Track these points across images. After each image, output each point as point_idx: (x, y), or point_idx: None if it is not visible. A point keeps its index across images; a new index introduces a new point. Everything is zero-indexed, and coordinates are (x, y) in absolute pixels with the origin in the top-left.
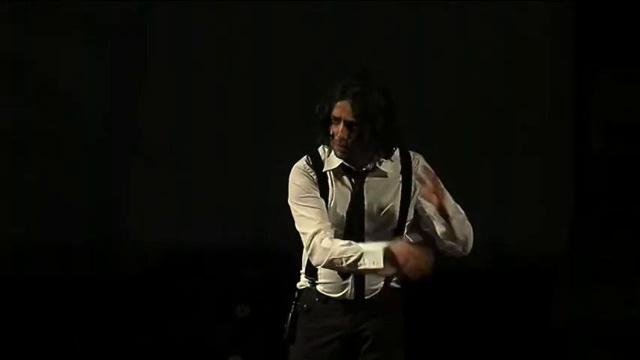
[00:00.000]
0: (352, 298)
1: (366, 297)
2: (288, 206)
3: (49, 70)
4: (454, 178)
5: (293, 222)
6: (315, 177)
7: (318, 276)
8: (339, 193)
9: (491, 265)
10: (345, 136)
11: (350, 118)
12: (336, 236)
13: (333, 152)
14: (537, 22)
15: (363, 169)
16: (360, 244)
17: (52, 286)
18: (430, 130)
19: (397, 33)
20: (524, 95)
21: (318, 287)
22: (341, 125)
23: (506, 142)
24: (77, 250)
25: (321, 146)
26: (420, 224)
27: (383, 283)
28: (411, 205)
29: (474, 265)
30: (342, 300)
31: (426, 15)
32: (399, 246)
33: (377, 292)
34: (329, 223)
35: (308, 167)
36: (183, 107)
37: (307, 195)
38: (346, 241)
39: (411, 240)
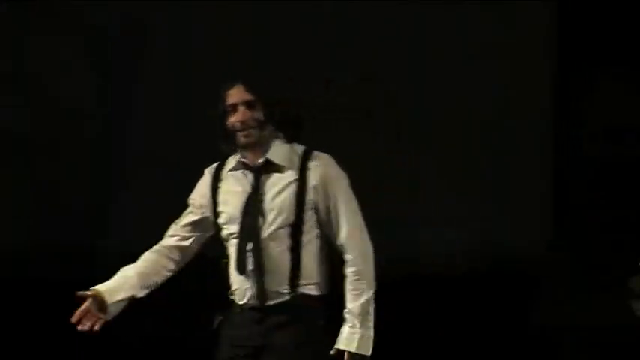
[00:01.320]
0: (253, 303)
1: (272, 303)
2: None
3: (49, 70)
4: (445, 178)
5: None
6: (210, 180)
7: (232, 284)
8: (236, 192)
9: (477, 269)
10: (247, 117)
11: (247, 97)
12: (233, 237)
13: (232, 158)
14: (543, 22)
15: (259, 162)
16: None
17: (51, 288)
18: (430, 130)
19: (397, 33)
20: (530, 99)
21: (234, 296)
22: (240, 109)
23: (495, 145)
24: (76, 251)
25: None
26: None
27: (290, 288)
28: (306, 206)
29: (461, 269)
30: (252, 308)
31: (426, 15)
32: None
33: (285, 298)
34: (178, 235)
35: (210, 170)
36: (184, 107)
37: (190, 200)
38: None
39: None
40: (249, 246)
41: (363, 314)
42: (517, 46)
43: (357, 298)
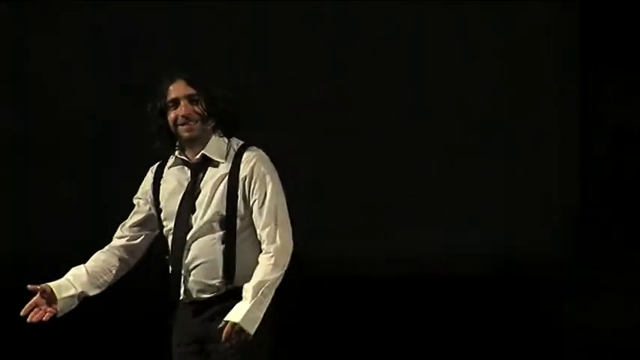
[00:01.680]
0: (190, 297)
1: (207, 296)
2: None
3: (49, 70)
4: (454, 180)
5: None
6: (152, 178)
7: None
8: (175, 188)
9: (494, 271)
10: (190, 111)
11: (189, 91)
12: (171, 233)
13: (173, 155)
14: (543, 22)
15: (196, 157)
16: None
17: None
18: (430, 130)
19: (397, 33)
20: (530, 99)
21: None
22: (182, 103)
23: (506, 146)
24: (75, 252)
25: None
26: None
27: (225, 281)
28: (239, 199)
29: (477, 271)
30: (191, 302)
31: (425, 15)
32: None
33: (220, 292)
34: (127, 235)
35: (153, 168)
36: None
37: (135, 199)
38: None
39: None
40: (182, 241)
41: (256, 292)
42: (517, 46)
43: (254, 279)
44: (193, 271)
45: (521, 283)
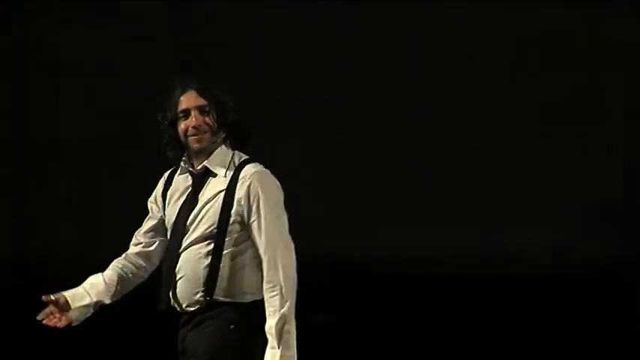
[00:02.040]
0: (178, 308)
1: (192, 309)
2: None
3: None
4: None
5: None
6: (162, 184)
7: None
8: (178, 198)
9: (563, 274)
10: (200, 122)
11: (200, 102)
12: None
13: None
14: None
15: (199, 168)
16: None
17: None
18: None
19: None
20: (585, 99)
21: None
22: (192, 114)
23: (563, 145)
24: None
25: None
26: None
27: (206, 295)
28: (232, 217)
29: (547, 273)
30: (184, 313)
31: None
32: None
33: (202, 305)
34: (142, 242)
35: (165, 174)
36: None
37: (149, 204)
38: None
39: None
40: (175, 250)
41: (279, 333)
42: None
43: (273, 315)
44: (178, 282)
45: (593, 287)
